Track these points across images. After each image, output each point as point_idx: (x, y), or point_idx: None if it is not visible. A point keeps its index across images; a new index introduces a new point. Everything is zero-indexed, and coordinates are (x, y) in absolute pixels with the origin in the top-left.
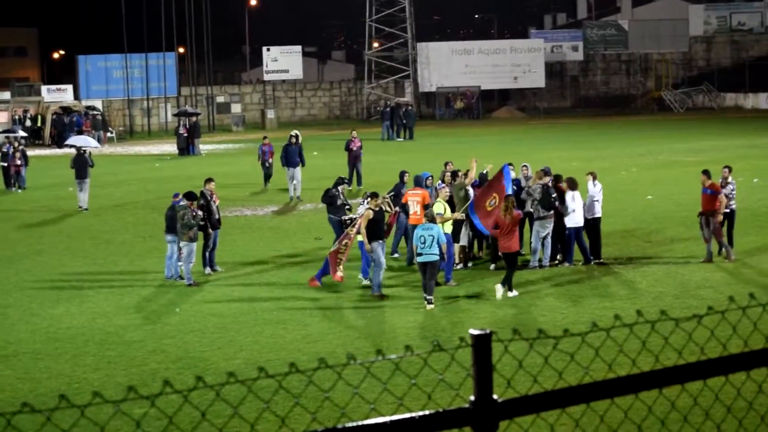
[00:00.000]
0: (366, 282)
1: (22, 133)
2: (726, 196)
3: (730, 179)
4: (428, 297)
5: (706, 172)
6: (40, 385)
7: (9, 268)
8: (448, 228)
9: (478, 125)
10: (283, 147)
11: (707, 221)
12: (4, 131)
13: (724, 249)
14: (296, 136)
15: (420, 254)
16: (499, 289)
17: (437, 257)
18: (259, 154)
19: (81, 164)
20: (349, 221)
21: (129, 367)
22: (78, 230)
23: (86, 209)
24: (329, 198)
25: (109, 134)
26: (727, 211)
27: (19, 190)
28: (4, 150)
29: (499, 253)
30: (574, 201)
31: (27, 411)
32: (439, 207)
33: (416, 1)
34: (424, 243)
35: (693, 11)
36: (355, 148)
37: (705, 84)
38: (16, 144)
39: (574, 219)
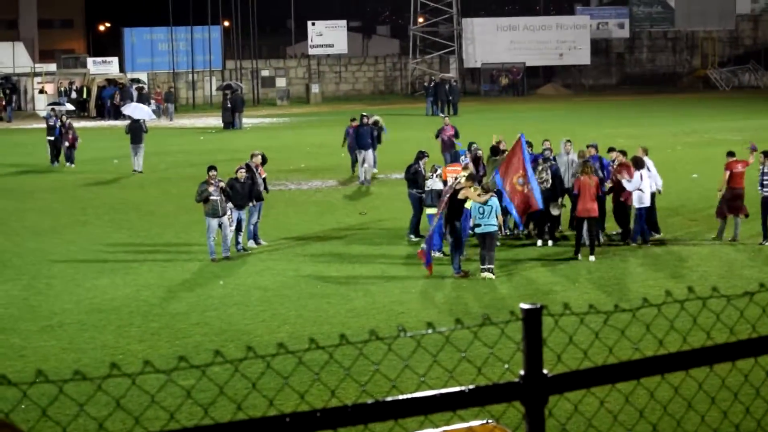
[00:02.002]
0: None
1: (69, 107)
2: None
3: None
4: (486, 267)
5: (729, 154)
6: (84, 356)
7: (53, 238)
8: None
9: (523, 102)
10: (354, 128)
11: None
12: (51, 104)
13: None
14: (367, 117)
15: (479, 224)
16: (579, 257)
17: (495, 227)
18: (345, 137)
19: (136, 130)
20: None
21: (173, 339)
22: (122, 202)
23: (141, 172)
24: (412, 174)
25: (152, 107)
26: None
27: (73, 165)
28: (51, 123)
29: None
30: (641, 180)
31: (78, 378)
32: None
33: None
34: (483, 214)
35: None
36: (446, 138)
37: (751, 62)
38: (63, 118)
39: (641, 198)
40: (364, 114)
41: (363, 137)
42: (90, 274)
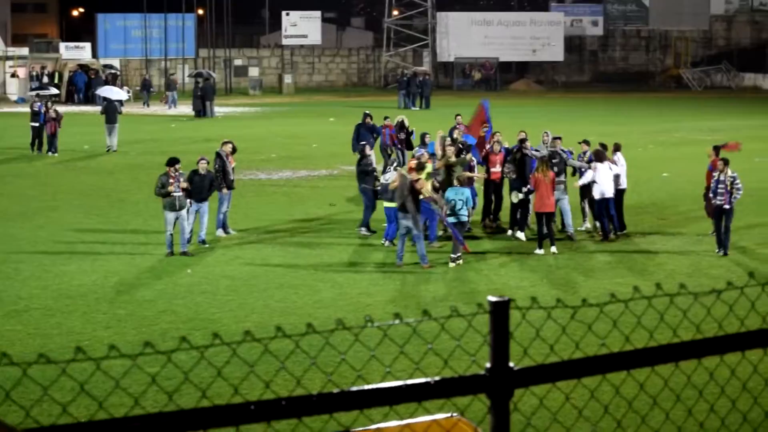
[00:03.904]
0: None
1: (54, 91)
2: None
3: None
4: (453, 256)
5: (715, 148)
6: (50, 341)
7: (23, 223)
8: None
9: (496, 96)
10: (355, 126)
11: (706, 195)
12: (37, 88)
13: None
14: (369, 116)
15: (453, 214)
16: (540, 251)
17: (466, 218)
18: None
19: (111, 111)
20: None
21: (139, 326)
22: (92, 188)
23: (115, 150)
24: (364, 167)
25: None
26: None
27: (56, 153)
28: (36, 109)
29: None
30: (597, 172)
31: (42, 362)
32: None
33: None
34: (456, 206)
35: None
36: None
37: (724, 63)
38: (49, 104)
39: (600, 190)
40: (367, 112)
41: (364, 137)
42: (58, 260)
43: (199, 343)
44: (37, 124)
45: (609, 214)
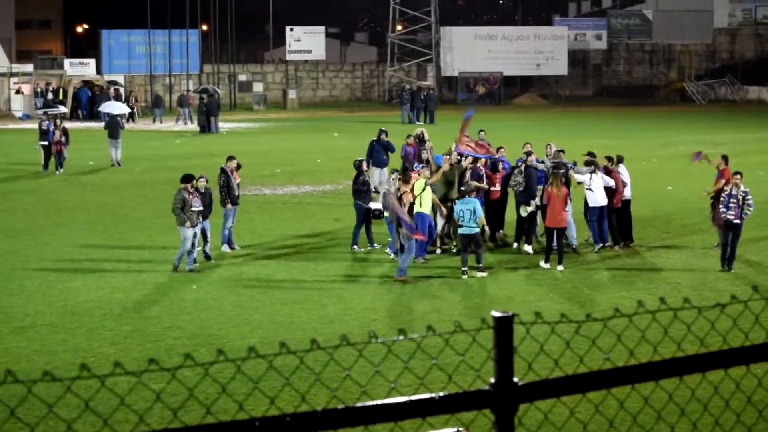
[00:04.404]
0: (393, 256)
1: (63, 109)
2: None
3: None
4: (477, 266)
5: (724, 157)
6: (56, 358)
7: (28, 240)
8: (428, 208)
9: (500, 111)
10: (369, 142)
11: (713, 205)
12: (44, 106)
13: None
14: (385, 132)
15: (461, 226)
16: (547, 265)
17: (477, 229)
18: (402, 156)
19: (114, 126)
20: (378, 212)
21: (145, 343)
22: (97, 205)
23: (119, 165)
24: (360, 184)
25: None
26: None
27: (61, 171)
28: (44, 128)
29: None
30: (591, 181)
31: (48, 380)
32: (421, 184)
33: None
34: (463, 217)
35: (718, 3)
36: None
37: (728, 76)
38: (58, 122)
39: (593, 198)
40: (383, 129)
41: (378, 154)
42: (63, 276)
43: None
44: (46, 143)
45: (600, 223)
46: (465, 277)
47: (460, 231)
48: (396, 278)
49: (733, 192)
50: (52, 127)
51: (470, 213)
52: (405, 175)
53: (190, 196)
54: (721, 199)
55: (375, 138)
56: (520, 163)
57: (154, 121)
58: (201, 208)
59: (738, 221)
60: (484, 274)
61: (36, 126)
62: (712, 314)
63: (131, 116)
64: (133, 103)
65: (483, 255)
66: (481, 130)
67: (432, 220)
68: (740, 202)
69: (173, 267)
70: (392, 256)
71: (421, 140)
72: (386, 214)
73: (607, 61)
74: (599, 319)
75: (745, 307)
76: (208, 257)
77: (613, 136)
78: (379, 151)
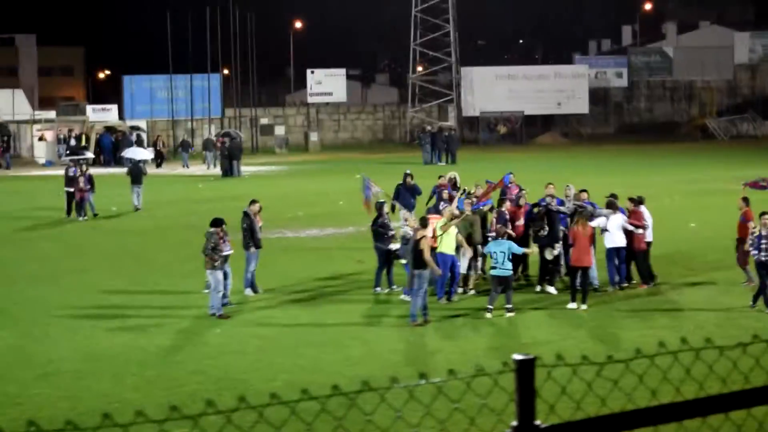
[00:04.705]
0: (407, 298)
1: (89, 155)
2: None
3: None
4: (490, 307)
5: (744, 199)
6: (80, 404)
7: (52, 285)
8: (450, 248)
9: (521, 150)
10: (396, 186)
11: (737, 246)
12: (70, 152)
13: (746, 276)
14: (410, 175)
15: (494, 267)
16: (573, 305)
17: (510, 272)
18: (431, 197)
19: (137, 172)
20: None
21: (169, 388)
22: (121, 250)
23: (140, 209)
24: (379, 226)
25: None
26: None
27: (84, 218)
28: (70, 174)
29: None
30: (609, 221)
31: (70, 429)
32: (440, 223)
33: (461, 26)
34: (497, 259)
35: (738, 39)
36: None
37: (750, 112)
38: (84, 167)
39: (611, 239)
40: (408, 172)
41: (405, 198)
42: (87, 322)
43: (229, 405)
44: (72, 189)
45: (619, 264)
46: (489, 315)
47: (492, 272)
48: (410, 324)
49: (763, 232)
50: (78, 173)
51: (503, 255)
52: (423, 220)
53: (221, 241)
54: (750, 241)
55: (401, 181)
56: (543, 204)
57: (184, 166)
58: (231, 252)
59: None
60: (512, 315)
61: (62, 172)
62: (734, 353)
63: (160, 160)
64: (161, 147)
65: (512, 296)
66: (510, 173)
67: (457, 260)
68: None
69: (216, 314)
70: (407, 298)
71: (454, 184)
72: (403, 261)
73: (628, 98)
74: (621, 360)
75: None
76: (227, 301)
77: (636, 174)
78: (405, 194)
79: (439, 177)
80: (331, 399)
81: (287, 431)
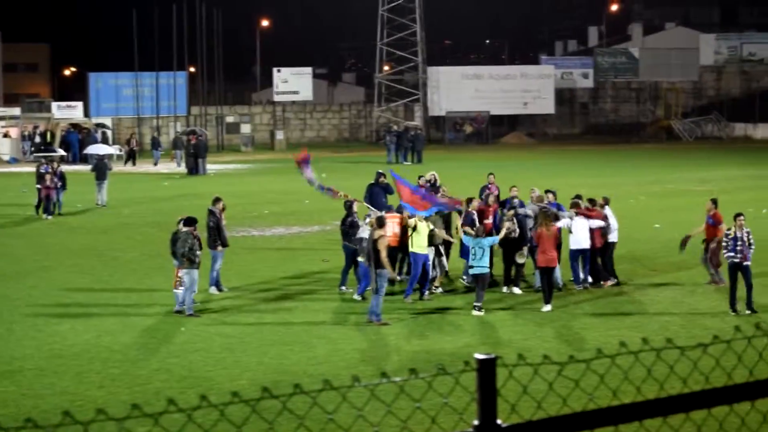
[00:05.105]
0: (357, 298)
1: (60, 152)
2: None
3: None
4: (475, 305)
5: (712, 201)
6: (43, 402)
7: (16, 283)
8: (422, 247)
9: (487, 150)
10: (367, 186)
11: (707, 248)
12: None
13: (713, 277)
14: (383, 175)
15: (471, 266)
16: (547, 307)
17: (486, 269)
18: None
19: (101, 168)
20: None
21: (133, 386)
22: (85, 248)
23: (104, 205)
24: (348, 226)
25: (118, 152)
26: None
27: (49, 217)
28: (41, 171)
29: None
30: (573, 222)
31: (30, 427)
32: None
33: (427, 25)
34: (476, 255)
35: (704, 41)
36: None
37: (714, 113)
38: (55, 165)
39: (575, 240)
40: (380, 171)
41: (377, 197)
42: (51, 320)
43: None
44: (40, 186)
45: (584, 264)
46: (476, 313)
47: (470, 271)
48: (374, 322)
49: (738, 234)
50: (50, 170)
51: (482, 251)
52: (380, 220)
53: (196, 240)
54: (724, 243)
55: (372, 181)
56: (508, 205)
57: (155, 164)
58: (201, 251)
59: (748, 262)
60: (480, 313)
61: (26, 169)
62: (695, 353)
63: (133, 158)
64: (134, 146)
65: (483, 296)
66: (491, 173)
67: (429, 259)
68: (746, 243)
69: (188, 313)
70: (358, 298)
71: (433, 184)
72: (360, 258)
73: (594, 99)
74: (582, 360)
75: (728, 347)
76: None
77: (601, 175)
78: (378, 194)
79: (419, 177)
80: (294, 398)
81: (249, 430)
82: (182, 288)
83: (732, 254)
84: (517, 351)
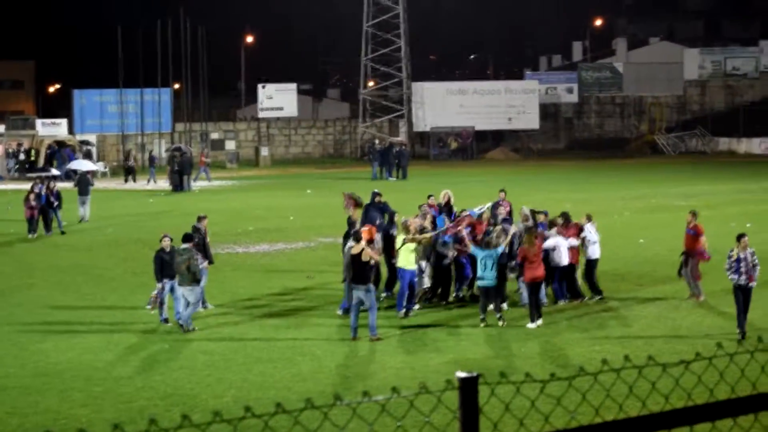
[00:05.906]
0: (339, 312)
1: (55, 172)
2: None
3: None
4: (497, 315)
5: (692, 213)
6: (27, 420)
7: (0, 301)
8: (410, 263)
9: (472, 166)
10: (364, 206)
11: (686, 260)
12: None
13: (693, 290)
14: (379, 194)
15: (481, 278)
16: (532, 324)
17: (495, 282)
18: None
19: (84, 183)
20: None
21: (117, 404)
22: (70, 265)
23: (87, 221)
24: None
25: (103, 169)
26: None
27: (35, 235)
28: (36, 191)
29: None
30: (554, 239)
31: None
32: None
33: (412, 41)
34: (485, 267)
35: (688, 55)
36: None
37: (698, 128)
38: (51, 184)
39: (559, 258)
40: (376, 191)
41: (373, 218)
42: (35, 337)
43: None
44: (38, 207)
45: (560, 281)
46: (483, 325)
47: (479, 283)
48: (371, 338)
49: (741, 255)
50: (44, 190)
51: (491, 263)
52: (356, 234)
53: (196, 255)
54: (728, 265)
55: (369, 202)
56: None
57: (149, 181)
58: (206, 262)
59: (754, 283)
60: (503, 323)
61: (11, 186)
62: (677, 371)
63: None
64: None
65: (500, 305)
66: (502, 190)
67: (415, 276)
68: (750, 264)
69: (190, 329)
70: (340, 313)
71: (447, 202)
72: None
73: (578, 114)
74: (564, 378)
75: (710, 364)
76: (166, 320)
77: (585, 189)
78: (373, 214)
79: (429, 196)
80: (277, 416)
81: None
82: (177, 304)
83: (736, 276)
84: (500, 368)
